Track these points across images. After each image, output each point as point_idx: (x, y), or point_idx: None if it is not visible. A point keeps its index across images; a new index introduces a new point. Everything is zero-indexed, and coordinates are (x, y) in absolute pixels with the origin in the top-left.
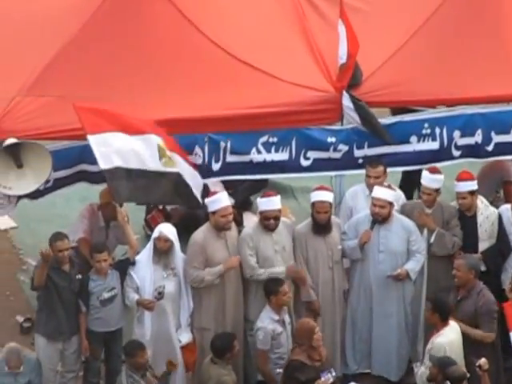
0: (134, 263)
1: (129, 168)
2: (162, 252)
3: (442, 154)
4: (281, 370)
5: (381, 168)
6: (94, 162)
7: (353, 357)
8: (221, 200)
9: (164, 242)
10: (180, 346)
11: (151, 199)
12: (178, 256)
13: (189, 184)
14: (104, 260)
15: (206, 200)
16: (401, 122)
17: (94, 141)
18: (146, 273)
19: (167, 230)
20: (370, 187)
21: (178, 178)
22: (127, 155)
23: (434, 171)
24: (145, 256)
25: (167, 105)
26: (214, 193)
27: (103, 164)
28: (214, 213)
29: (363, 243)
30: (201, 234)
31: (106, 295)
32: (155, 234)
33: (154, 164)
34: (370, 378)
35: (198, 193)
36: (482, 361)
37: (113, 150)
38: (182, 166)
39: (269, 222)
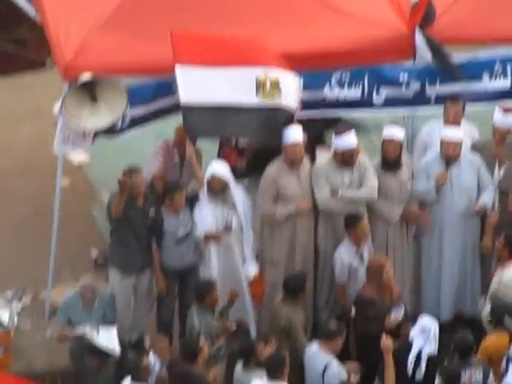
0: (199, 198)
1: (209, 106)
2: (217, 191)
3: None
4: None
5: (460, 105)
6: (169, 93)
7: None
8: (293, 134)
9: (218, 182)
10: (248, 279)
11: (227, 132)
12: (236, 192)
13: (282, 119)
14: (179, 198)
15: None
16: (473, 60)
17: (181, 71)
18: (206, 211)
19: (219, 169)
20: (449, 124)
21: (271, 113)
22: (212, 90)
23: (507, 110)
24: (201, 195)
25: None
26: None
27: (183, 97)
28: (285, 146)
29: (440, 185)
30: (273, 167)
31: (181, 233)
32: (208, 175)
33: (245, 97)
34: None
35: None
36: None
37: (198, 85)
38: (285, 98)
39: (347, 157)
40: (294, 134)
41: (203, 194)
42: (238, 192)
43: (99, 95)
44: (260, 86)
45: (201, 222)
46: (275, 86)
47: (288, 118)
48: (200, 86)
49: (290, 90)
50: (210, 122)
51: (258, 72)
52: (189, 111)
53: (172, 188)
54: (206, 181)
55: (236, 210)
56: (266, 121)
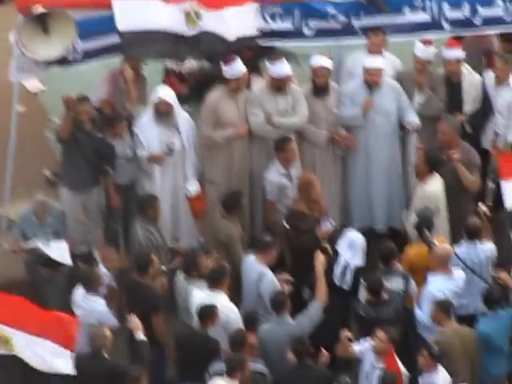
0: (133, 117)
1: (144, 30)
2: (163, 114)
3: (433, 26)
4: None
5: (381, 36)
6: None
7: (353, 210)
8: (237, 68)
9: (164, 105)
10: (189, 195)
11: (161, 54)
12: (181, 116)
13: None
14: (120, 126)
15: (224, 67)
16: None
17: (118, 2)
18: (151, 132)
19: (166, 94)
20: (371, 53)
21: (202, 36)
22: (147, 18)
23: (426, 43)
24: (146, 117)
25: None
26: (232, 60)
27: (121, 25)
28: (229, 79)
29: (367, 110)
30: (214, 95)
31: (129, 151)
32: (154, 98)
33: (176, 24)
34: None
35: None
36: (483, 207)
37: (134, 14)
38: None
39: (280, 84)
40: (239, 67)
41: (146, 117)
42: (181, 116)
43: (51, 27)
44: (188, 16)
45: (145, 144)
46: (199, 16)
47: (218, 42)
48: (136, 14)
49: (232, 22)
50: (146, 44)
51: (186, 5)
52: (126, 35)
53: (114, 120)
54: (153, 104)
55: (179, 132)
56: (198, 43)
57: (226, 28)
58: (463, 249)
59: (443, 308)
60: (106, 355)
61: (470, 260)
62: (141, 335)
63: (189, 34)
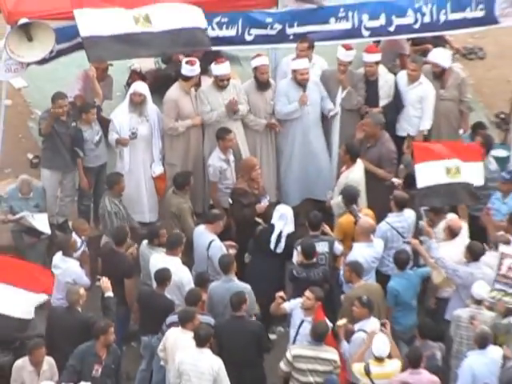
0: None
1: (104, 35)
2: (137, 104)
3: (354, 33)
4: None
5: (306, 44)
6: None
7: (287, 187)
8: (187, 67)
9: (138, 96)
10: (154, 176)
11: (120, 56)
12: (150, 107)
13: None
14: (90, 114)
15: (184, 68)
16: (323, 7)
17: (78, 13)
18: (124, 119)
19: (140, 86)
20: (300, 57)
21: (151, 36)
22: (104, 25)
23: (348, 48)
24: (122, 107)
25: None
26: (191, 63)
27: (83, 32)
28: (187, 78)
29: (303, 104)
30: (173, 92)
31: (97, 138)
32: (131, 90)
33: (128, 27)
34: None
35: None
36: (395, 180)
37: (93, 20)
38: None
39: (222, 82)
40: (195, 69)
41: (122, 106)
42: (151, 107)
43: (34, 35)
44: (136, 20)
45: (118, 129)
46: (147, 19)
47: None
48: (94, 21)
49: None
50: (106, 47)
51: (134, 12)
52: (88, 42)
53: (88, 107)
54: (128, 95)
55: (149, 120)
56: (150, 41)
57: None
58: (395, 218)
59: (353, 268)
60: (79, 309)
61: (400, 227)
62: (110, 293)
63: (141, 36)
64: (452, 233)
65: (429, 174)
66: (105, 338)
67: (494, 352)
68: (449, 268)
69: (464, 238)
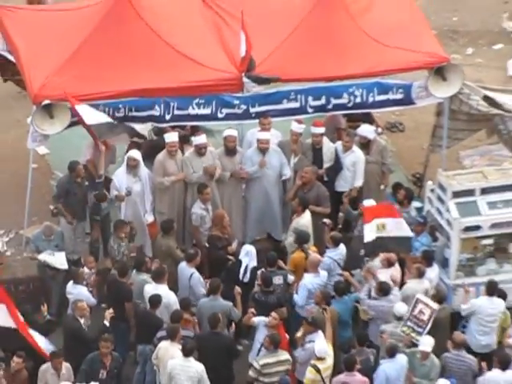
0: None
1: (100, 122)
2: (132, 167)
3: (301, 111)
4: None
5: (269, 119)
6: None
7: (250, 229)
8: (170, 137)
9: (133, 160)
10: (146, 223)
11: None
12: (143, 170)
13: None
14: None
15: (164, 135)
16: (278, 91)
17: (80, 108)
18: (122, 179)
19: (134, 153)
20: (262, 130)
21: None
22: (98, 116)
23: (299, 122)
24: (121, 169)
25: (139, 79)
26: (167, 131)
27: (87, 120)
28: (167, 143)
29: (262, 167)
30: (161, 156)
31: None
32: (126, 156)
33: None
34: (263, 240)
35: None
36: (326, 220)
37: (91, 113)
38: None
39: (201, 150)
40: (172, 137)
41: (121, 169)
42: (143, 169)
43: (54, 113)
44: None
45: (117, 187)
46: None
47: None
48: (93, 113)
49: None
50: (103, 130)
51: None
52: (93, 126)
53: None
54: (125, 160)
55: (141, 179)
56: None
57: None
58: (333, 252)
59: (323, 296)
60: (82, 321)
61: (338, 259)
62: (106, 322)
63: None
64: (388, 263)
65: (368, 230)
66: (103, 349)
67: (402, 359)
68: (365, 305)
69: (397, 267)
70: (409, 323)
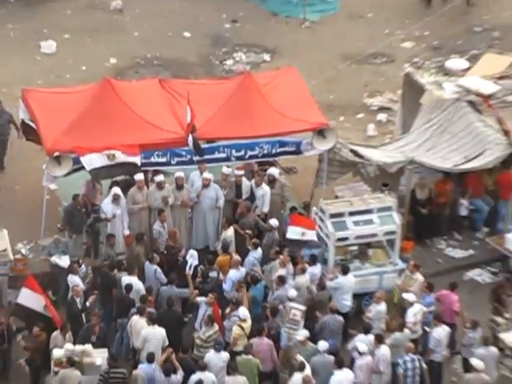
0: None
1: (98, 167)
2: (115, 199)
3: (227, 159)
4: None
5: (205, 165)
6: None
7: (194, 240)
8: (139, 176)
9: (116, 195)
10: (124, 235)
11: (107, 175)
12: (122, 200)
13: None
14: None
15: (134, 176)
16: (211, 146)
17: (82, 159)
18: (108, 208)
19: (117, 190)
20: (202, 172)
21: (121, 165)
22: (96, 161)
23: (228, 166)
24: (108, 199)
25: (117, 138)
26: (138, 172)
27: (88, 166)
28: (136, 181)
29: (199, 197)
30: (132, 190)
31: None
32: (112, 192)
33: (107, 161)
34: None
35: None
36: (249, 231)
37: (90, 160)
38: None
39: (161, 185)
40: (140, 176)
41: (107, 199)
42: (122, 200)
43: (61, 162)
44: (109, 157)
45: (105, 211)
46: (113, 157)
47: (129, 167)
48: (94, 160)
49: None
50: (100, 172)
51: (106, 153)
52: (92, 170)
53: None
54: (111, 193)
55: (121, 207)
56: (121, 168)
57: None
58: (255, 253)
59: (242, 283)
60: (78, 300)
61: (258, 258)
62: (88, 303)
63: (111, 163)
64: (284, 263)
65: (292, 232)
66: (93, 321)
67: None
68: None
69: (290, 266)
70: (287, 325)
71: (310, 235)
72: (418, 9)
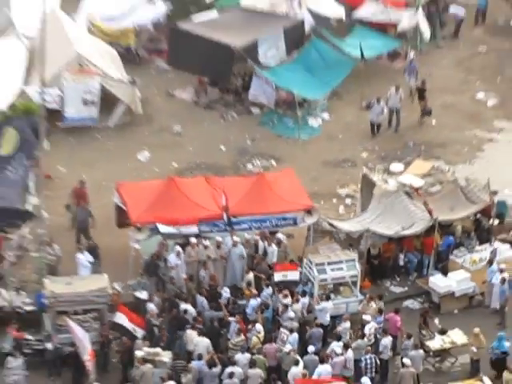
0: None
1: (166, 232)
2: (177, 254)
3: (249, 228)
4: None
5: (235, 232)
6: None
7: (227, 281)
8: (192, 239)
9: (178, 252)
10: (183, 278)
11: (172, 238)
12: (182, 255)
13: None
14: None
15: (190, 239)
16: (237, 220)
17: (158, 225)
18: (173, 260)
19: (179, 248)
20: (232, 237)
21: None
22: (167, 229)
23: (257, 234)
24: (172, 255)
25: (179, 214)
26: (191, 237)
27: (161, 230)
28: (190, 243)
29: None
30: (188, 248)
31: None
32: (175, 249)
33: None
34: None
35: None
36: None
37: (163, 228)
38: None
39: (207, 246)
40: (193, 240)
41: (172, 255)
42: (182, 255)
43: (141, 230)
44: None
45: (171, 262)
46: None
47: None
48: (164, 228)
49: None
50: (168, 236)
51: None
52: (164, 234)
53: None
54: (175, 251)
55: (181, 259)
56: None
57: None
58: (268, 290)
59: (258, 309)
60: (152, 319)
61: (268, 294)
62: None
63: (176, 231)
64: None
65: (277, 277)
66: (162, 333)
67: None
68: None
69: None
70: (279, 342)
71: (293, 275)
72: (370, 134)
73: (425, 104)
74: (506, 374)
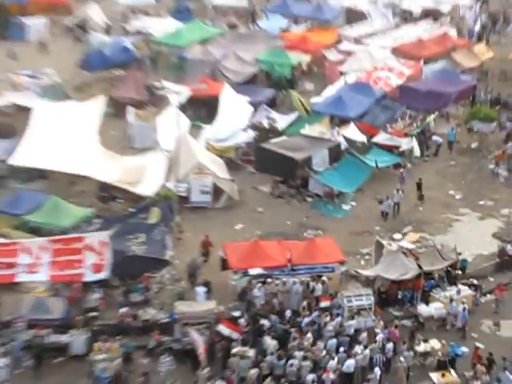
0: None
1: (255, 274)
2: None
3: (304, 274)
4: None
5: (295, 275)
6: None
7: (289, 306)
8: (268, 281)
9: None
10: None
11: (258, 277)
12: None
13: None
14: None
15: (267, 279)
16: (296, 268)
17: (249, 270)
18: (257, 294)
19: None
20: (293, 278)
21: None
22: (255, 271)
23: (309, 277)
24: (256, 289)
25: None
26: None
27: (251, 273)
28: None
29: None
30: (266, 285)
31: None
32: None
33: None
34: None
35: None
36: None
37: (253, 270)
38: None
39: (277, 284)
40: (269, 280)
41: (256, 289)
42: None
43: (237, 275)
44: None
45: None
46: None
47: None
48: (254, 271)
49: None
50: (255, 276)
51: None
52: (251, 275)
53: None
54: (257, 286)
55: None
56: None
57: None
58: (314, 314)
59: (310, 324)
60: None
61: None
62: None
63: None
64: None
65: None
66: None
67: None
68: None
69: None
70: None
71: (327, 304)
72: (381, 217)
73: (420, 193)
74: (478, 367)
